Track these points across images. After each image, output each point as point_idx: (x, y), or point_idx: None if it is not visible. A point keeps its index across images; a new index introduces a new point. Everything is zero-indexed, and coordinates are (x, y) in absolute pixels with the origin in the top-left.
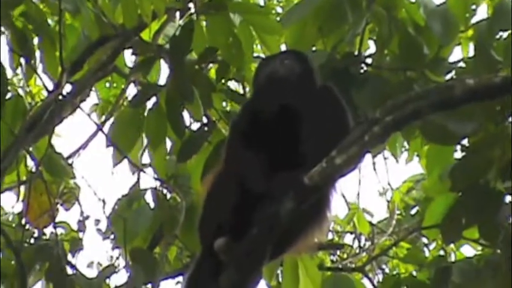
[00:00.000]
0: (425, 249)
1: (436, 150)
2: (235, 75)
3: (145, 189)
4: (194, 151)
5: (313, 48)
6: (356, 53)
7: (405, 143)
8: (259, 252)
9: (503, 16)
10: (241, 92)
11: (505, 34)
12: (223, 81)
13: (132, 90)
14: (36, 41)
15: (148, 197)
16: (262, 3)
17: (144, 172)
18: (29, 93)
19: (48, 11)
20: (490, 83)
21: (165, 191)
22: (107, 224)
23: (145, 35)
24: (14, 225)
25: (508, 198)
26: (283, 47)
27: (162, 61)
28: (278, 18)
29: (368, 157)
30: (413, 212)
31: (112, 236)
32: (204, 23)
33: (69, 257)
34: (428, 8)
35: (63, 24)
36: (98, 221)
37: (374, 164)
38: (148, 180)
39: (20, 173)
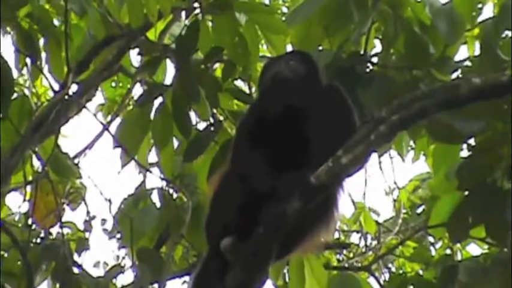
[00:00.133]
0: (431, 248)
1: (442, 149)
2: (241, 75)
3: (152, 189)
4: (200, 151)
5: (319, 48)
6: (362, 52)
7: (411, 142)
8: (266, 252)
9: (510, 15)
10: (248, 91)
11: (511, 33)
12: (229, 80)
13: (138, 90)
14: (42, 42)
15: (155, 197)
16: (267, 3)
17: (151, 172)
18: (34, 93)
19: (53, 11)
20: (496, 81)
21: (171, 190)
22: (113, 223)
23: (151, 35)
24: (20, 225)
25: None
26: (289, 47)
27: (168, 61)
28: (283, 18)
29: (374, 156)
30: (419, 210)
31: (118, 236)
32: (209, 23)
33: (76, 256)
34: (434, 7)
35: (69, 24)
36: (104, 221)
37: (380, 163)
38: (155, 179)
39: (26, 173)
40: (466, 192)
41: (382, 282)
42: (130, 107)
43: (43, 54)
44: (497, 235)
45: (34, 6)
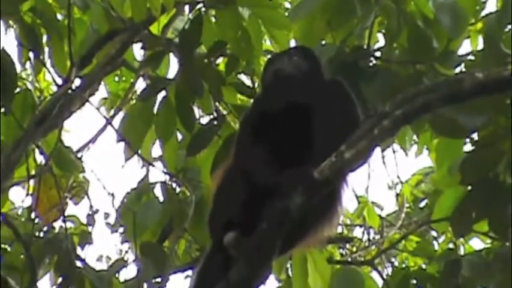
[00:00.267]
0: (434, 242)
1: (445, 144)
2: (244, 69)
3: (155, 183)
4: (204, 145)
5: (322, 42)
6: (365, 46)
7: (415, 137)
8: (269, 247)
9: None
10: (251, 85)
11: None
12: (233, 74)
13: (141, 84)
14: (45, 37)
15: (158, 191)
16: None
17: (154, 166)
18: (37, 88)
19: (56, 6)
20: (500, 76)
21: (174, 184)
22: (116, 217)
23: (155, 29)
24: (23, 219)
25: None
26: (292, 42)
27: (171, 55)
28: (286, 14)
29: (377, 150)
30: (422, 205)
31: (121, 230)
32: (213, 17)
33: (79, 250)
34: (437, 1)
35: (72, 18)
36: (107, 215)
37: (383, 157)
38: (158, 173)
39: (29, 167)
40: (469, 187)
41: (385, 276)
42: (134, 101)
43: (46, 49)
44: (499, 229)
45: (37, 0)
